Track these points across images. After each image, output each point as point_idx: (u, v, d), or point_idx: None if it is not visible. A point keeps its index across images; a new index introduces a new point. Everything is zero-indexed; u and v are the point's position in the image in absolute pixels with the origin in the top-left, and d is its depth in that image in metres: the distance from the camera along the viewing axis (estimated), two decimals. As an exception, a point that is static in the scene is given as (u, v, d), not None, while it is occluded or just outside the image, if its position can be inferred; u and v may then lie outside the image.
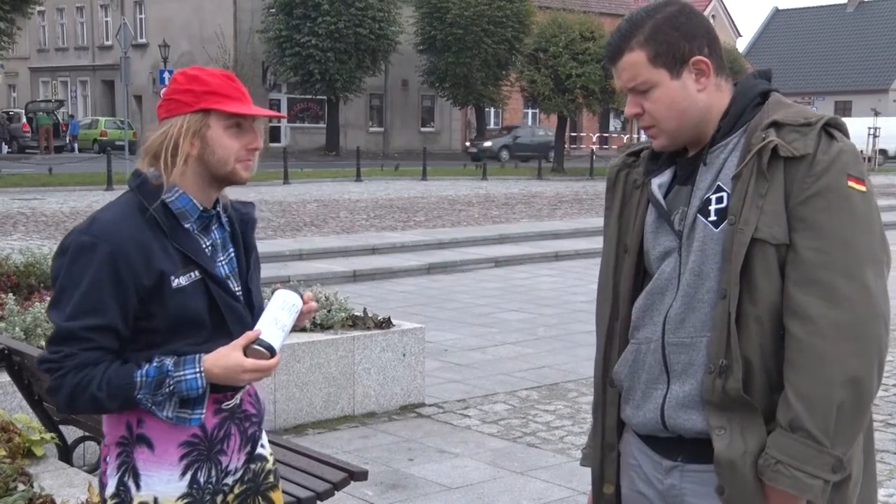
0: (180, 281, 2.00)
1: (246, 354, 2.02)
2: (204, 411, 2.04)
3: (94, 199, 18.64)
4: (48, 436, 3.94)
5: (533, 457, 5.21)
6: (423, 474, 4.91)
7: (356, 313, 6.10)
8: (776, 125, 1.77)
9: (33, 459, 3.75)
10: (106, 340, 1.98)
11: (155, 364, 1.98)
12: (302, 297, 2.12)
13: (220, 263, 2.11)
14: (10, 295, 5.53)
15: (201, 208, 2.08)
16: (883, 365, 1.76)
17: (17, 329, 4.86)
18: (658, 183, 1.90)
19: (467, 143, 38.70)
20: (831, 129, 1.77)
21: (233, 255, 2.16)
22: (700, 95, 1.84)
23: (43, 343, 4.85)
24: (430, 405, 6.14)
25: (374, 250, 12.71)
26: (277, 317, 2.05)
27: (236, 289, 2.12)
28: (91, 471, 4.13)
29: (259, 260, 2.24)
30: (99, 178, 22.02)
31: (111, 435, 2.10)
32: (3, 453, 3.60)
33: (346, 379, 5.79)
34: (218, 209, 2.14)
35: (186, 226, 2.06)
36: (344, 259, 11.97)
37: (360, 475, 3.57)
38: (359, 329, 5.95)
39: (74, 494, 3.37)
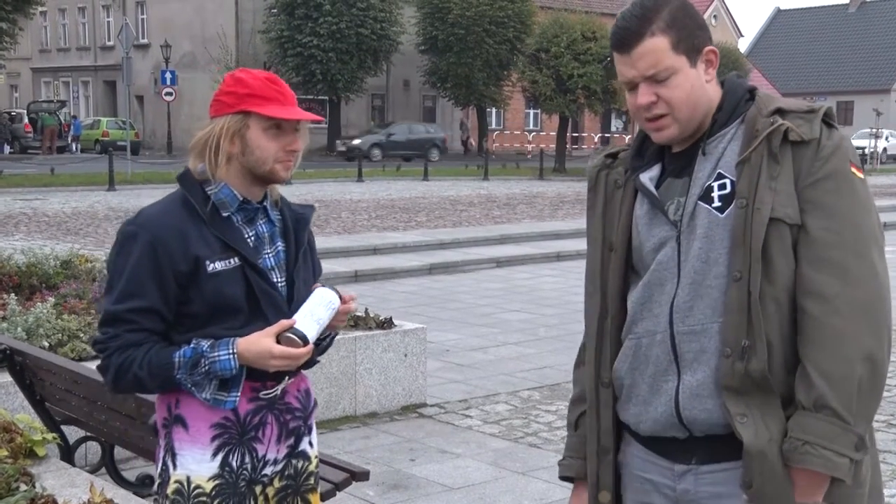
0: (216, 266, 2.09)
1: (279, 342, 2.10)
2: (239, 395, 2.12)
3: (97, 200, 18.65)
4: (50, 436, 3.94)
5: (534, 457, 5.21)
6: (425, 474, 4.91)
7: (358, 313, 6.10)
8: (781, 112, 1.82)
9: (35, 460, 3.74)
10: (149, 322, 2.08)
11: (192, 345, 2.08)
12: (341, 297, 2.20)
13: (265, 255, 2.19)
14: (12, 295, 5.53)
15: (241, 199, 2.16)
16: (891, 343, 1.80)
17: (19, 329, 4.86)
18: (648, 177, 1.91)
19: (337, 142, 36.42)
20: (828, 118, 1.83)
21: (280, 249, 2.22)
22: (707, 86, 1.86)
23: (45, 343, 4.86)
24: (431, 405, 6.14)
25: (375, 250, 12.71)
26: (314, 311, 2.15)
27: (278, 280, 2.19)
28: (93, 471, 4.13)
29: (313, 258, 2.32)
30: (101, 178, 22.02)
31: (159, 417, 2.21)
32: (5, 453, 3.60)
33: (347, 379, 5.79)
34: (265, 204, 2.22)
35: (226, 215, 2.14)
36: (345, 259, 11.98)
37: (362, 475, 3.57)
38: (360, 329, 5.95)
39: (76, 495, 3.37)
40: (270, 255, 2.19)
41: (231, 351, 2.07)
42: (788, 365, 1.78)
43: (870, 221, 1.79)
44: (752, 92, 1.90)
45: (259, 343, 2.08)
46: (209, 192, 2.13)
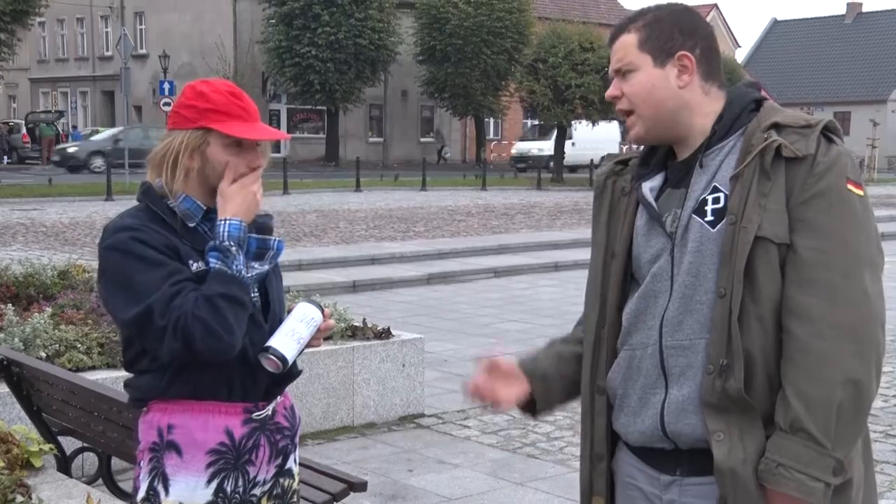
0: (200, 265, 2.06)
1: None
2: (276, 237, 2.14)
3: (94, 210, 18.64)
4: (47, 447, 3.93)
5: (532, 467, 5.20)
6: (423, 485, 4.90)
7: (356, 324, 6.10)
8: (777, 127, 1.79)
9: (32, 471, 3.73)
10: (193, 285, 2.02)
11: (208, 255, 2.04)
12: (323, 313, 2.16)
13: None
14: (10, 305, 5.52)
15: (205, 208, 2.13)
16: (881, 367, 1.76)
17: (16, 340, 4.85)
18: (649, 186, 1.91)
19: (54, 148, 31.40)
20: (829, 132, 1.79)
21: None
22: (681, 92, 1.85)
23: (42, 354, 4.84)
24: (429, 416, 6.14)
25: (373, 260, 12.71)
26: (295, 328, 2.10)
27: (252, 290, 2.16)
28: (90, 482, 4.12)
29: (278, 268, 2.29)
30: (98, 188, 22.02)
31: (144, 441, 2.15)
32: (2, 464, 3.59)
33: (345, 389, 5.78)
34: None
35: (192, 225, 2.11)
36: (343, 269, 11.97)
37: (360, 486, 3.56)
38: (358, 339, 5.95)
39: (73, 506, 3.36)
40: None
41: (220, 223, 2.04)
42: (772, 384, 1.76)
43: (864, 242, 1.75)
44: (759, 103, 1.87)
45: (222, 192, 2.06)
46: (171, 206, 2.09)
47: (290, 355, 2.07)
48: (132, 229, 2.04)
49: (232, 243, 2.03)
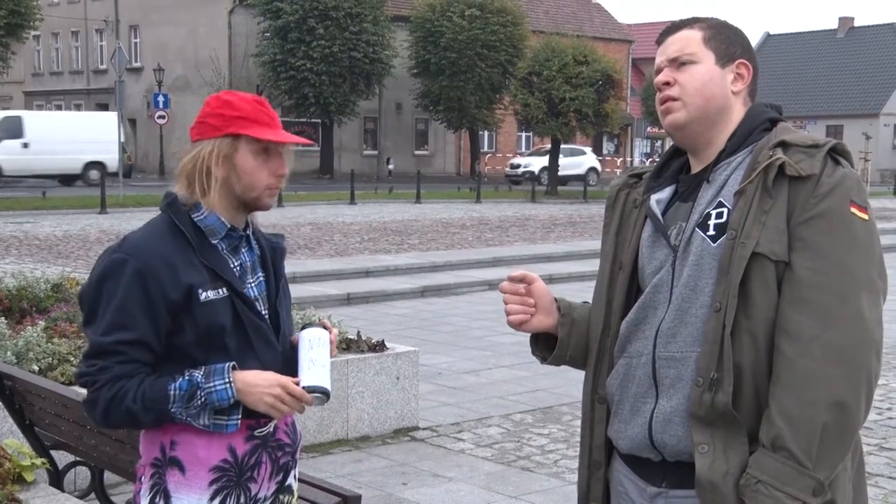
0: (208, 294, 2.06)
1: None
2: (240, 417, 2.07)
3: (88, 223, 18.62)
4: (39, 461, 3.91)
5: (527, 480, 5.19)
6: (417, 498, 4.88)
7: (350, 336, 6.09)
8: (784, 145, 1.80)
9: (24, 485, 3.71)
10: (138, 354, 2.03)
11: (186, 377, 2.03)
12: (325, 328, 2.17)
13: (249, 285, 2.16)
14: (3, 319, 5.50)
15: (229, 226, 2.13)
16: (872, 393, 1.75)
17: (8, 353, 4.84)
18: (657, 199, 1.92)
19: None
20: (837, 155, 1.81)
21: (262, 278, 2.20)
22: (731, 96, 1.89)
23: (35, 367, 4.83)
24: (423, 429, 6.12)
25: (367, 273, 12.70)
26: (315, 358, 2.09)
27: (263, 310, 2.17)
28: (82, 496, 4.10)
29: (288, 287, 2.30)
30: (93, 201, 21.98)
31: (146, 456, 2.15)
32: (-6, 478, 3.57)
33: (339, 402, 5.77)
34: (248, 232, 2.20)
35: (214, 242, 2.11)
36: (338, 282, 11.96)
37: (354, 500, 3.54)
38: (352, 352, 5.94)
39: (65, 520, 3.34)
40: (253, 284, 2.16)
41: (227, 379, 2.02)
42: (759, 400, 1.76)
43: (864, 266, 1.74)
44: (774, 121, 1.89)
45: (259, 375, 2.04)
46: (196, 219, 2.09)
47: (326, 383, 2.07)
48: (149, 259, 2.02)
49: (204, 398, 2.01)
